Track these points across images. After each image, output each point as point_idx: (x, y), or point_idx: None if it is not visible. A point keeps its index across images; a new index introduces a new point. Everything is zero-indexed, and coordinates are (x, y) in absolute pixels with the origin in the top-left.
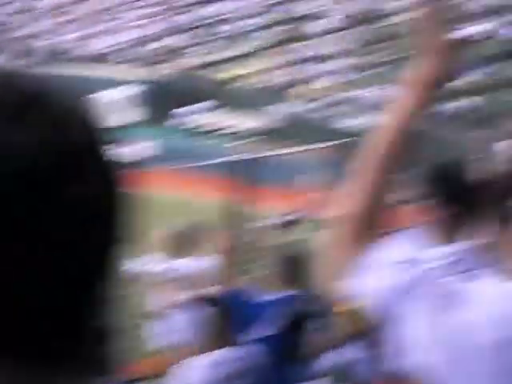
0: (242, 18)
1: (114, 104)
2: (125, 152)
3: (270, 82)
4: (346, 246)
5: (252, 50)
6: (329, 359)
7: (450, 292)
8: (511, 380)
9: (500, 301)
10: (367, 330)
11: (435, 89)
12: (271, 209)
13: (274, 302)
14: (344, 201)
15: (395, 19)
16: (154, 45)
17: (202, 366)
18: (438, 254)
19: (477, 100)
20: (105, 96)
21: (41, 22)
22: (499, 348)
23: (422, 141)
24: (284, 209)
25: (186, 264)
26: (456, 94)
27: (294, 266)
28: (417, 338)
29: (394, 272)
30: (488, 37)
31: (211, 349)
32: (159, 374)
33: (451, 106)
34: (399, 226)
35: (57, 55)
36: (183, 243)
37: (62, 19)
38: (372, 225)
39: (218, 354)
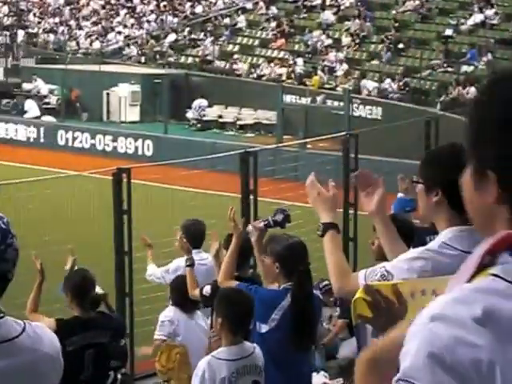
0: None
1: (122, 99)
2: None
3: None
4: None
5: (256, 43)
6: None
7: None
8: None
9: None
10: (368, 320)
11: None
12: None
13: (279, 294)
14: None
15: None
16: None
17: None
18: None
19: None
20: (114, 90)
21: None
22: None
23: None
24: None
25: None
26: None
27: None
28: None
29: None
30: None
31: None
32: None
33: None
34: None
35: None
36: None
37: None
38: None
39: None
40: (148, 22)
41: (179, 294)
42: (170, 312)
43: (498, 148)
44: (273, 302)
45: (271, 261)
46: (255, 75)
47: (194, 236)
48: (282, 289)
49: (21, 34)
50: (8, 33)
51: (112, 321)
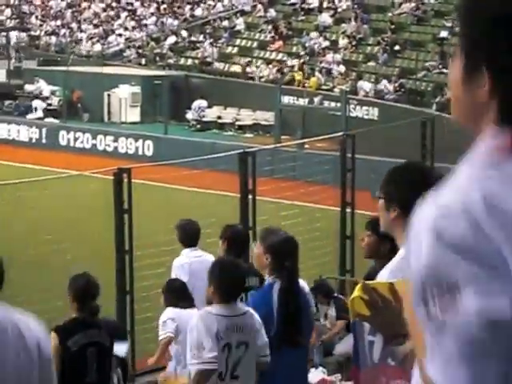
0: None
1: (123, 100)
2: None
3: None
4: None
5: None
6: (332, 346)
7: None
8: None
9: None
10: (366, 318)
11: None
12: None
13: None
14: None
15: None
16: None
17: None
18: None
19: None
20: (115, 92)
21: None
22: None
23: None
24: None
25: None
26: None
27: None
28: None
29: None
30: None
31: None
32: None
33: None
34: None
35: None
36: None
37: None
38: None
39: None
40: (148, 24)
41: (173, 295)
42: (168, 312)
43: (493, 43)
44: (268, 314)
45: (262, 251)
46: (255, 77)
47: (190, 235)
48: (266, 286)
49: (14, 35)
50: (4, 33)
51: (110, 325)
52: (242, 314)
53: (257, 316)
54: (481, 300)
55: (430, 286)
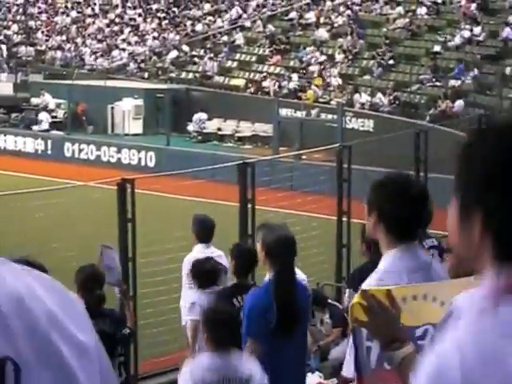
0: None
1: (126, 112)
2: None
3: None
4: None
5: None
6: (328, 352)
7: None
8: None
9: None
10: (364, 323)
11: None
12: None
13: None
14: None
15: None
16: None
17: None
18: None
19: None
20: (118, 105)
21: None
22: None
23: None
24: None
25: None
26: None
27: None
28: None
29: None
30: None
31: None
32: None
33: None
34: None
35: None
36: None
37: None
38: None
39: None
40: (150, 39)
41: (198, 272)
42: (194, 296)
43: (483, 192)
44: (269, 305)
45: (260, 247)
46: (252, 90)
47: (207, 229)
48: (267, 283)
49: (5, 48)
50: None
51: (114, 312)
52: (234, 366)
53: (249, 365)
54: None
55: None
